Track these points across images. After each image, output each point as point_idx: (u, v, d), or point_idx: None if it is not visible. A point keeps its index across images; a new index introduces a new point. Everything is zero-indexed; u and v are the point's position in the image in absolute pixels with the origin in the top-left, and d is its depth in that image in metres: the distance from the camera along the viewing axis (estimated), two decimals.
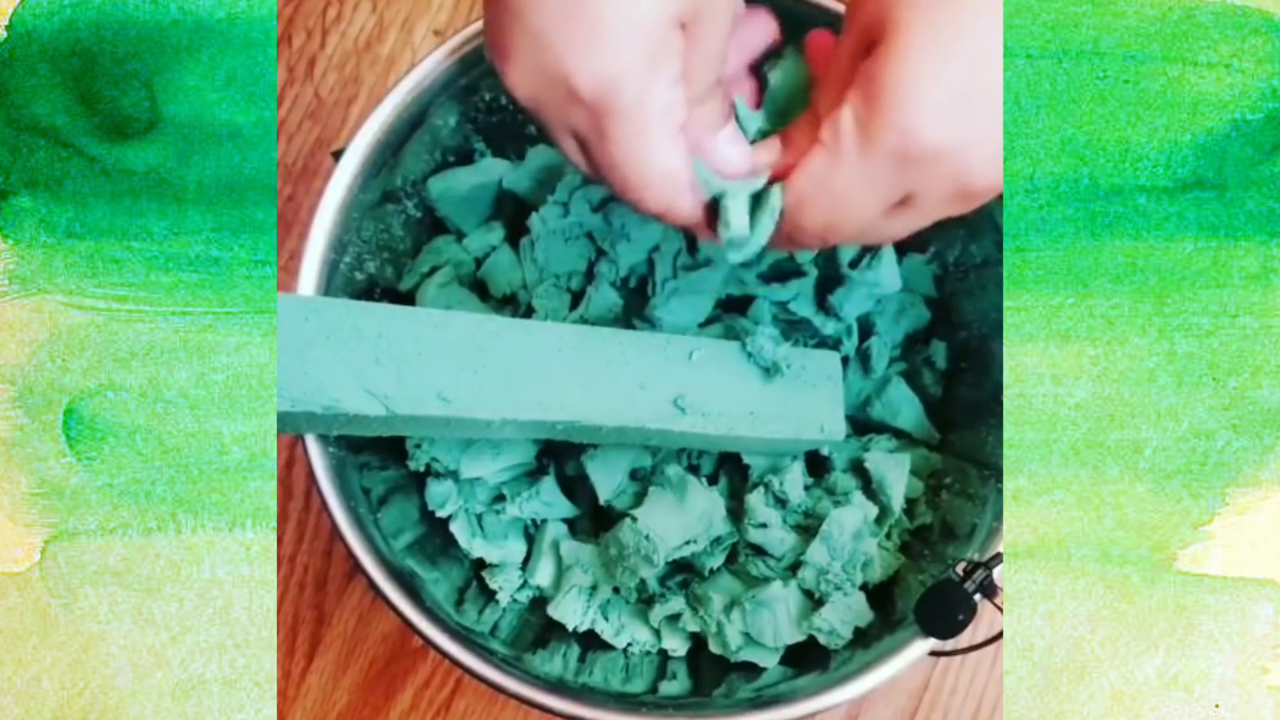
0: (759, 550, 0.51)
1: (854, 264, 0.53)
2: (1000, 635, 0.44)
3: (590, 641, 0.53)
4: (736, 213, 0.39)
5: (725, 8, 0.36)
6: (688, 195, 0.38)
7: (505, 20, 0.35)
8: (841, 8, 0.50)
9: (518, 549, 0.54)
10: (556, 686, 0.46)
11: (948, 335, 0.56)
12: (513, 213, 0.56)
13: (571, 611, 0.52)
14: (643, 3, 0.33)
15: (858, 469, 0.52)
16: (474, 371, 0.45)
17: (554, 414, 0.46)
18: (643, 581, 0.51)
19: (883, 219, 0.37)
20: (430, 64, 0.49)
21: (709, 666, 0.52)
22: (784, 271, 0.54)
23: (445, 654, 0.45)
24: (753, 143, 0.40)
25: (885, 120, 0.33)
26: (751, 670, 0.50)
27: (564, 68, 0.34)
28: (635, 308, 0.54)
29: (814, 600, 0.50)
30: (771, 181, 0.39)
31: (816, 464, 0.53)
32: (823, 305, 0.54)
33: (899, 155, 0.34)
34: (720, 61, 0.37)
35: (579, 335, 0.48)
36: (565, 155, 0.39)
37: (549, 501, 0.53)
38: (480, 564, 0.54)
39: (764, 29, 0.41)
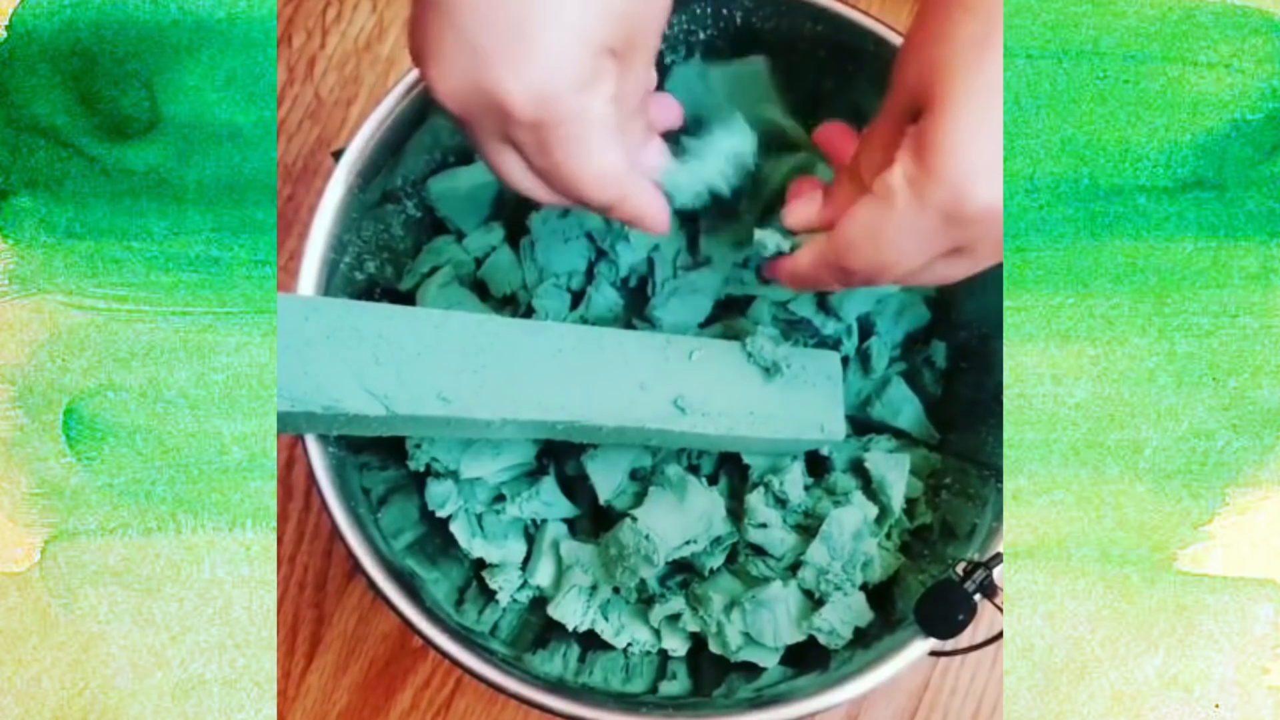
0: (759, 550, 0.51)
1: None
2: (1000, 635, 0.44)
3: (590, 641, 0.53)
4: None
5: (654, 38, 0.38)
6: (633, 184, 0.40)
7: (436, 26, 0.35)
8: (839, 8, 0.50)
9: (518, 549, 0.54)
10: (556, 686, 0.46)
11: (948, 335, 0.56)
12: (513, 213, 0.56)
13: (571, 611, 0.52)
14: (576, 27, 0.34)
15: (858, 469, 0.52)
16: (474, 371, 0.45)
17: (554, 414, 0.46)
18: (643, 581, 0.51)
19: (935, 265, 0.39)
20: None
21: (709, 666, 0.52)
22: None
23: (445, 654, 0.45)
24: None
25: (937, 181, 0.35)
26: (751, 670, 0.50)
27: (500, 84, 0.35)
28: (635, 308, 0.54)
29: (814, 600, 0.50)
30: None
31: (816, 464, 0.53)
32: (823, 305, 0.54)
33: (949, 213, 0.36)
34: (647, 87, 0.40)
35: (579, 335, 0.48)
36: (489, 162, 0.39)
37: (549, 501, 0.53)
38: (480, 564, 0.54)
39: (669, 111, 0.45)
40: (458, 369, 0.45)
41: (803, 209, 0.43)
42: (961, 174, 0.35)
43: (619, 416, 0.47)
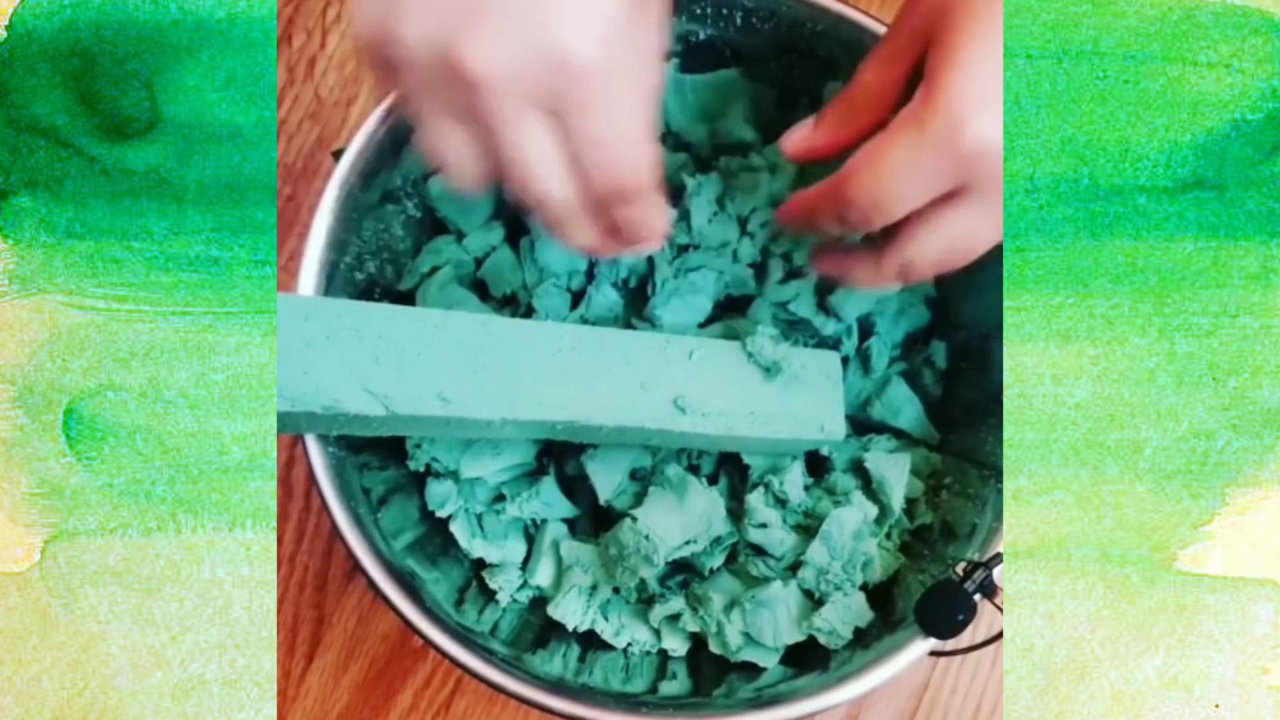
0: (759, 550, 0.51)
1: None
2: (1000, 635, 0.44)
3: (590, 641, 0.53)
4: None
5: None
6: (658, 168, 0.38)
7: None
8: (840, 8, 0.50)
9: (518, 549, 0.54)
10: (556, 686, 0.46)
11: (948, 335, 0.56)
12: (513, 213, 0.56)
13: (571, 611, 0.52)
14: None
15: (858, 469, 0.52)
16: (474, 371, 0.45)
17: (554, 414, 0.46)
18: (643, 581, 0.51)
19: (942, 216, 0.39)
20: None
21: (709, 666, 0.52)
22: (784, 272, 0.54)
23: (445, 654, 0.45)
24: None
25: (935, 110, 0.36)
26: (751, 670, 0.50)
27: (558, 35, 0.33)
28: (635, 308, 0.54)
29: (814, 600, 0.50)
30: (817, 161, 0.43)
31: (816, 464, 0.53)
32: (823, 305, 0.54)
33: (946, 142, 0.36)
34: (661, 75, 0.38)
35: (579, 335, 0.48)
36: (513, 141, 0.35)
37: (549, 501, 0.53)
38: (480, 564, 0.54)
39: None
40: (458, 369, 0.45)
41: (797, 133, 0.43)
42: (959, 104, 0.35)
43: (619, 416, 0.47)
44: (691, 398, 0.48)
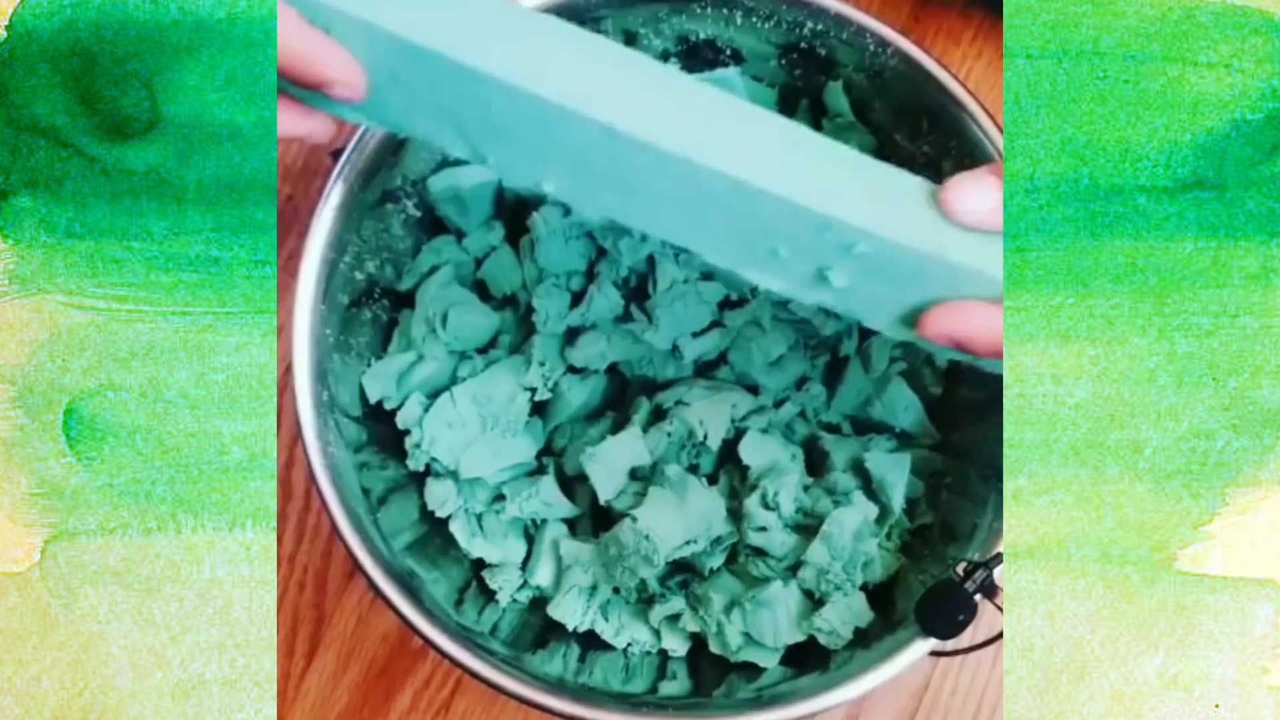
0: (759, 551, 0.51)
1: None
2: (1000, 635, 0.44)
3: (590, 641, 0.53)
4: None
5: None
6: None
7: None
8: (840, 7, 0.50)
9: (518, 549, 0.54)
10: (556, 686, 0.46)
11: None
12: (513, 213, 0.56)
13: (571, 611, 0.52)
14: None
15: (858, 469, 0.52)
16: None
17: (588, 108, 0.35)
18: (643, 581, 0.51)
19: None
20: None
21: (709, 666, 0.52)
22: None
23: (445, 654, 0.45)
24: None
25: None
26: (751, 670, 0.50)
27: None
28: (637, 305, 0.54)
29: (814, 600, 0.50)
30: None
31: (816, 464, 0.53)
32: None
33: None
34: None
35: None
36: None
37: (549, 501, 0.53)
38: (480, 564, 0.54)
39: None
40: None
41: (976, 194, 0.34)
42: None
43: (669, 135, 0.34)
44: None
